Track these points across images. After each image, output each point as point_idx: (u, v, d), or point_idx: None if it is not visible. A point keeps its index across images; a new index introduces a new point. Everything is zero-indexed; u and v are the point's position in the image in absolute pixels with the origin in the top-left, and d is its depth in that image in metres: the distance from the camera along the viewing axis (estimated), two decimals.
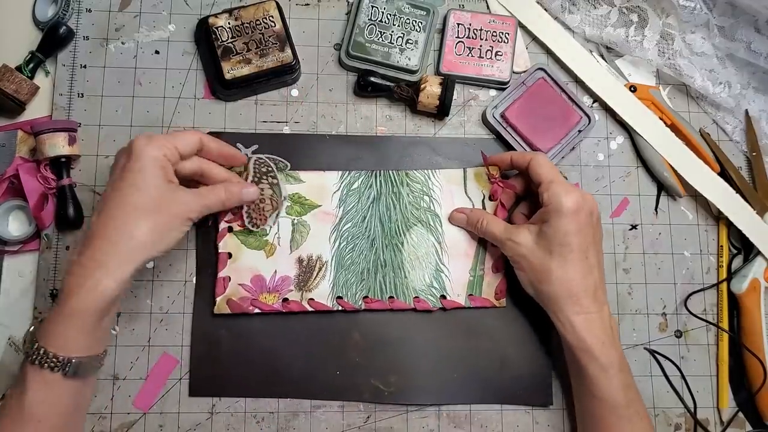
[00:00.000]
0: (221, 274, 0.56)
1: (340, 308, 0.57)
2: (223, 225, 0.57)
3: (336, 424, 0.56)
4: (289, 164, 0.59)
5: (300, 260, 0.57)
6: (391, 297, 0.57)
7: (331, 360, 0.57)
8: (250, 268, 0.56)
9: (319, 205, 0.58)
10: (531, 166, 0.54)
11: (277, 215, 0.57)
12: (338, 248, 0.58)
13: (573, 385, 0.54)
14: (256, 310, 0.56)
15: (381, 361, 0.57)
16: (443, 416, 0.57)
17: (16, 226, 0.58)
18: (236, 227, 0.57)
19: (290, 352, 0.56)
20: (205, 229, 0.58)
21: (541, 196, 0.52)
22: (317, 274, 0.57)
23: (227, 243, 0.57)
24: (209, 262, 0.57)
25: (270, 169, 0.57)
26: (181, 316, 0.57)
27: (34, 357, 0.44)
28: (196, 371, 0.56)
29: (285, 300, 0.56)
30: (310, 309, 0.56)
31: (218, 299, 0.56)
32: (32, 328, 0.47)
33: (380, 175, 0.59)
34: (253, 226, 0.56)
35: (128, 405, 0.55)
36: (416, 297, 0.57)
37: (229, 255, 0.56)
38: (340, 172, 0.59)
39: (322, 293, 0.57)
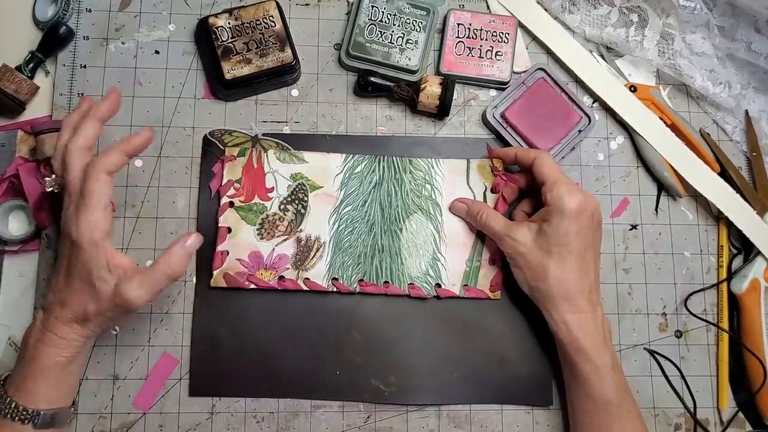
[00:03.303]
0: (220, 247, 0.56)
1: (335, 289, 0.57)
2: (224, 200, 0.57)
3: (336, 424, 0.56)
4: (291, 148, 0.59)
5: (298, 240, 0.57)
6: (386, 282, 0.57)
7: (331, 360, 0.57)
8: (249, 244, 0.57)
9: (321, 187, 0.59)
10: (535, 165, 0.54)
11: (284, 241, 0.57)
12: (337, 230, 0.58)
13: (566, 383, 0.55)
14: (252, 286, 0.56)
15: (381, 361, 0.57)
16: (443, 416, 0.57)
17: (16, 226, 0.58)
18: (237, 202, 0.57)
19: (290, 351, 0.56)
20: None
21: (544, 195, 0.52)
22: (314, 254, 0.57)
23: (227, 217, 0.57)
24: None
25: (305, 198, 0.58)
26: (181, 316, 0.57)
27: (6, 410, 0.46)
28: (196, 371, 0.56)
29: (281, 278, 0.56)
30: (305, 288, 0.56)
31: (215, 272, 0.56)
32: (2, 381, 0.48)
33: (384, 160, 0.60)
34: (259, 236, 0.57)
35: (128, 405, 0.55)
36: (411, 284, 0.57)
37: (229, 230, 0.57)
38: (344, 155, 0.59)
39: (318, 273, 0.57)
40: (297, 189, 0.58)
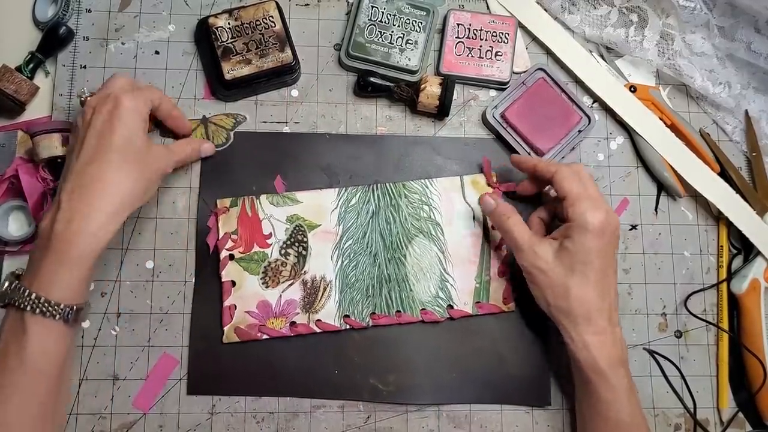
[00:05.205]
0: (227, 303, 0.56)
1: (348, 327, 0.56)
2: (224, 254, 0.57)
3: (336, 424, 0.56)
4: (246, 116, 0.60)
5: (304, 282, 0.57)
6: (398, 311, 0.57)
7: (330, 359, 0.56)
8: (255, 295, 0.56)
9: (319, 225, 0.58)
10: (555, 180, 0.52)
11: (290, 285, 0.57)
12: (341, 266, 0.57)
13: (578, 401, 0.54)
14: (265, 336, 0.56)
15: (379, 361, 0.57)
16: (443, 416, 0.57)
17: (16, 226, 0.58)
18: (237, 254, 0.57)
19: (289, 350, 0.56)
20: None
21: (566, 210, 0.51)
22: (322, 294, 0.57)
23: (230, 271, 0.56)
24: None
25: (304, 239, 0.57)
26: (181, 316, 0.57)
27: (35, 306, 0.44)
28: (194, 369, 0.56)
29: (293, 323, 0.56)
30: (318, 330, 0.56)
31: (226, 328, 0.55)
32: (11, 282, 0.46)
33: (377, 188, 0.59)
34: (264, 285, 0.56)
35: (128, 405, 0.55)
36: (423, 309, 0.57)
37: (233, 283, 0.56)
38: (337, 189, 0.59)
39: (329, 313, 0.56)
40: (295, 231, 0.58)
